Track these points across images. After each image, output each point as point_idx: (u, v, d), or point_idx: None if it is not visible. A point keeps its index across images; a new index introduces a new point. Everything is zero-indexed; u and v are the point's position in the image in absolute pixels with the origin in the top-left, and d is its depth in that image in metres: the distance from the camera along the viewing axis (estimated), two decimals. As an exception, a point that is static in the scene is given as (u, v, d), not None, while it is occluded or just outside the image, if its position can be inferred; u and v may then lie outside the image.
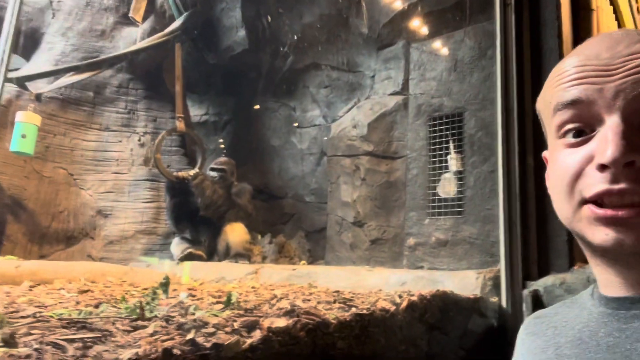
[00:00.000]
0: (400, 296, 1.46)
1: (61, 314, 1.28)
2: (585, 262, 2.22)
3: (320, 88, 4.63)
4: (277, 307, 1.41)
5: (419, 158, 3.53)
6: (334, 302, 1.53)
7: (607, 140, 0.51)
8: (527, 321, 0.74)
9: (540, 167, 2.30)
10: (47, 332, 0.97)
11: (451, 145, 3.40)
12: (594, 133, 0.54)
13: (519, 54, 2.26)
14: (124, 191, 4.19)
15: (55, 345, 0.85)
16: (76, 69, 3.84)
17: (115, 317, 1.17)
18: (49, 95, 3.92)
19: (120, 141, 4.28)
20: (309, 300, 1.65)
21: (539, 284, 2.02)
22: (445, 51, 3.61)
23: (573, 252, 2.10)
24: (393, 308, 1.32)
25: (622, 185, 0.50)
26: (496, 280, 2.11)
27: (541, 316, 0.72)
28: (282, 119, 4.99)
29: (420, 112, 3.59)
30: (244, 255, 3.63)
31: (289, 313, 1.11)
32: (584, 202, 0.54)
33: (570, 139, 0.56)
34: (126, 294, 1.94)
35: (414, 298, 1.41)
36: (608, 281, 0.59)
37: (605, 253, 0.54)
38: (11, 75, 3.71)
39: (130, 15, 4.12)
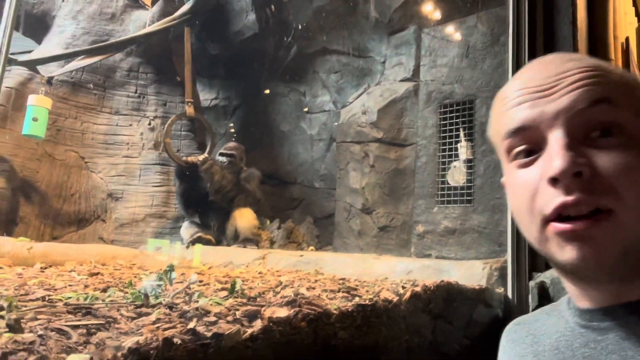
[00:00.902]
0: (403, 287, 1.46)
1: (69, 297, 1.30)
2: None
3: (330, 73, 4.59)
4: (281, 295, 1.42)
5: (428, 146, 3.50)
6: (339, 290, 1.54)
7: (553, 154, 0.52)
8: (508, 327, 0.75)
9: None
10: (53, 317, 0.99)
11: (461, 133, 3.36)
12: (542, 152, 0.55)
13: (532, 41, 2.21)
14: (134, 175, 4.23)
15: (59, 331, 0.86)
16: (87, 53, 3.85)
17: (121, 303, 1.19)
18: (60, 79, 3.94)
19: (130, 125, 4.31)
20: (313, 288, 1.66)
21: (546, 276, 2.01)
22: (457, 37, 3.54)
23: (581, 244, 2.08)
24: (396, 299, 1.32)
25: (575, 196, 0.50)
26: (502, 270, 2.10)
27: (521, 323, 0.73)
28: (292, 104, 4.97)
29: (430, 99, 3.55)
30: (252, 240, 3.66)
31: (290, 303, 1.11)
32: (546, 220, 0.53)
33: (521, 159, 0.57)
34: (134, 277, 1.97)
35: (418, 289, 1.41)
36: (580, 295, 0.59)
37: (575, 272, 0.54)
38: (22, 58, 3.73)
39: (140, -2, 4.11)
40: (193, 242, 3.60)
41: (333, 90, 4.59)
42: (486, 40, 3.39)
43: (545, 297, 1.96)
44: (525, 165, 0.56)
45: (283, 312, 1.02)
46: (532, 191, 0.54)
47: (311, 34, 4.48)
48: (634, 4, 3.35)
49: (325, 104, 4.68)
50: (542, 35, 2.21)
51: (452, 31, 3.59)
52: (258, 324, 0.97)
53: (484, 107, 3.31)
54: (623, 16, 2.81)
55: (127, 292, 1.46)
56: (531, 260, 2.07)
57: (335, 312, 1.11)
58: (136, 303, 1.21)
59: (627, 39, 2.83)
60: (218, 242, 3.78)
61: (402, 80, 3.89)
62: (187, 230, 3.83)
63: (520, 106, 0.57)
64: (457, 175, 3.38)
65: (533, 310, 2.00)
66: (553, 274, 2.00)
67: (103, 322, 0.95)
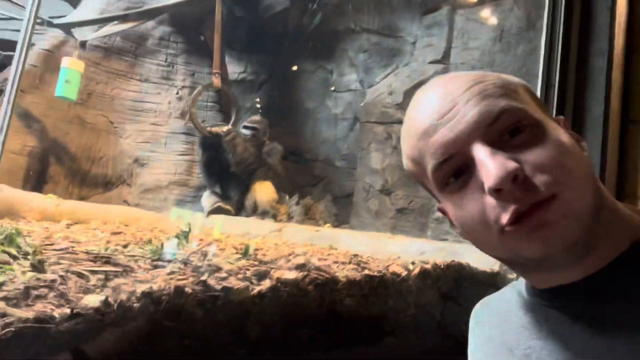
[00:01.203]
0: (413, 263, 1.47)
1: (91, 250, 1.37)
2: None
3: (359, 52, 4.55)
4: (292, 262, 1.46)
5: (453, 130, 3.45)
6: (349, 262, 1.57)
7: (484, 166, 0.52)
8: (476, 309, 0.74)
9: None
10: (74, 263, 1.04)
11: (488, 119, 3.30)
12: (471, 169, 0.55)
13: (567, 27, 2.14)
14: (160, 142, 4.31)
15: (79, 274, 0.92)
16: (120, 19, 3.91)
17: (139, 255, 1.25)
18: (93, 44, 4.02)
19: (159, 93, 4.37)
20: (325, 259, 1.70)
21: (561, 265, 1.99)
22: (491, 20, 3.45)
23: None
24: (405, 273, 1.34)
25: (521, 200, 0.51)
26: (517, 257, 2.09)
27: (487, 303, 0.73)
28: (318, 81, 4.95)
29: (459, 82, 3.49)
30: (269, 213, 3.71)
31: (300, 267, 1.15)
32: (503, 228, 0.54)
33: (453, 184, 0.57)
34: (154, 238, 2.03)
35: (427, 266, 1.42)
36: (539, 279, 0.60)
37: (544, 259, 0.53)
38: (57, 21, 3.82)
39: (174, -33, 4.12)
40: (213, 211, 3.68)
41: (361, 69, 4.55)
42: (521, 24, 3.29)
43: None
44: (460, 188, 0.57)
45: (292, 274, 1.05)
46: (480, 208, 0.54)
47: (341, 10, 4.43)
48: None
49: (352, 83, 4.65)
50: (579, 22, 2.14)
51: (487, 14, 3.49)
52: (267, 283, 1.01)
53: (513, 94, 3.24)
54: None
55: (145, 249, 1.52)
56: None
57: (343, 279, 1.14)
58: (153, 257, 1.26)
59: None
60: (237, 213, 3.84)
61: (431, 62, 3.83)
62: (207, 199, 3.90)
63: (434, 138, 0.57)
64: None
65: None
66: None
67: (120, 270, 1.00)
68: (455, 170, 0.56)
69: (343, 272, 1.21)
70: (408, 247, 2.43)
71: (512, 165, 0.51)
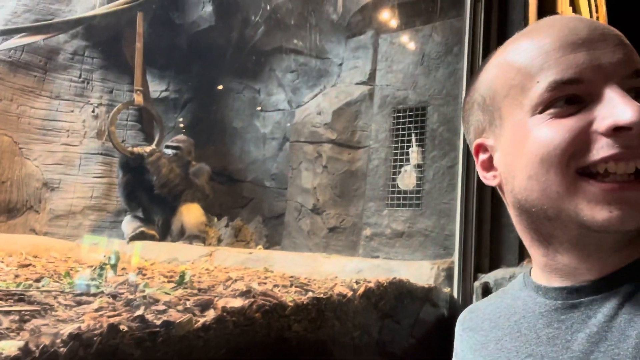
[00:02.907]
0: (357, 282, 1.45)
1: (-3, 286, 1.19)
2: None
3: (286, 72, 4.56)
4: (232, 288, 1.37)
5: (381, 149, 3.54)
6: (291, 285, 1.51)
7: (618, 104, 0.49)
8: (462, 316, 0.72)
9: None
10: (-20, 303, 0.89)
11: (413, 138, 3.43)
12: (589, 104, 0.52)
13: (486, 52, 2.30)
14: (73, 164, 3.99)
15: (-13, 317, 0.78)
16: (27, 31, 3.59)
17: (58, 291, 1.10)
18: (-4, 57, 3.66)
19: (72, 111, 4.06)
20: (265, 283, 1.63)
21: (490, 277, 2.08)
22: (413, 45, 3.62)
23: (523, 247, 2.17)
24: (350, 293, 1.31)
25: (633, 148, 0.48)
26: (449, 271, 2.16)
27: (475, 310, 0.71)
28: (245, 101, 4.89)
29: (385, 103, 3.60)
30: (198, 237, 3.54)
31: (245, 294, 1.08)
32: (581, 173, 0.51)
33: (558, 109, 0.52)
34: (71, 270, 1.84)
35: (371, 285, 1.40)
36: (547, 269, 0.58)
37: (597, 234, 0.51)
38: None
39: (90, -22, 3.89)
40: (135, 237, 3.44)
41: (288, 90, 4.56)
42: (440, 49, 3.49)
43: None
44: (563, 115, 0.52)
45: (237, 303, 0.98)
46: (574, 138, 0.50)
47: (269, 31, 4.43)
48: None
49: (280, 102, 4.64)
50: (496, 47, 2.30)
51: (408, 39, 3.67)
52: (211, 314, 0.93)
53: (435, 114, 3.40)
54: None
55: (63, 282, 1.36)
56: (476, 261, 2.14)
57: (290, 304, 1.08)
58: (75, 292, 1.12)
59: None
60: (162, 238, 3.63)
61: (357, 84, 3.93)
62: (129, 224, 3.65)
63: (574, 55, 0.52)
64: (407, 179, 3.45)
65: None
66: (497, 275, 2.07)
67: (38, 308, 0.87)
68: (571, 96, 0.52)
69: (289, 296, 1.15)
70: (344, 266, 2.42)
71: None
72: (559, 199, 0.52)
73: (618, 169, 0.49)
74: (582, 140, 0.50)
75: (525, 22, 2.26)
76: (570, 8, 3.20)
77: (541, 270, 0.60)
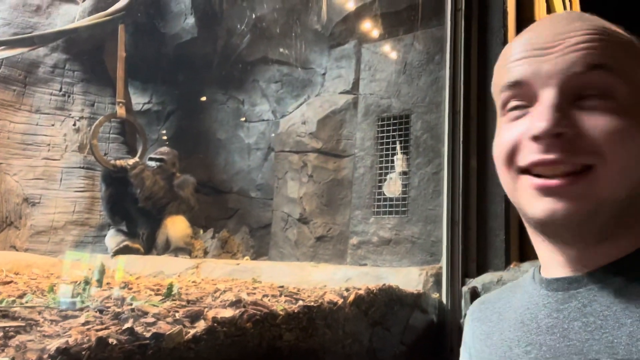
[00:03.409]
0: (347, 290, 1.45)
1: (-22, 304, 1.16)
2: (521, 261, 2.32)
3: (270, 83, 4.57)
4: (221, 299, 1.36)
5: (366, 157, 3.56)
6: (280, 295, 1.50)
7: (539, 113, 0.53)
8: (473, 307, 0.75)
9: (482, 169, 2.38)
10: (-39, 321, 0.86)
11: (398, 146, 3.46)
12: (532, 109, 0.56)
13: (467, 59, 2.33)
14: (55, 178, 3.92)
15: (-30, 334, 0.75)
16: (5, 44, 3.54)
17: (42, 306, 1.08)
18: (-27, 71, 3.59)
19: (53, 125, 4.00)
20: (254, 293, 1.61)
21: (477, 281, 2.09)
22: (395, 54, 3.67)
23: (510, 251, 2.19)
24: (340, 301, 1.30)
25: (552, 156, 0.52)
26: (437, 277, 2.17)
27: (485, 302, 0.73)
28: (229, 112, 4.88)
29: (369, 112, 3.63)
30: (184, 249, 3.50)
31: (235, 304, 1.06)
32: (521, 171, 0.56)
33: (511, 113, 0.58)
34: (54, 285, 1.80)
35: (361, 292, 1.40)
36: (549, 262, 0.61)
37: (543, 227, 0.55)
38: None
39: (70, -9, 3.87)
40: (119, 251, 3.38)
41: (272, 100, 4.57)
42: (422, 58, 3.53)
43: (477, 302, 2.04)
44: (512, 120, 0.58)
45: (228, 313, 0.97)
46: (513, 144, 0.56)
47: (252, 42, 4.44)
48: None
49: (264, 113, 4.64)
50: (477, 54, 2.34)
51: (391, 48, 3.71)
52: (201, 325, 0.91)
53: (419, 122, 3.44)
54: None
55: (47, 298, 1.33)
56: (464, 266, 2.15)
57: (281, 312, 1.07)
58: (59, 307, 1.10)
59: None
60: (147, 252, 3.58)
61: (341, 93, 3.95)
62: (112, 238, 3.59)
63: (520, 62, 0.57)
64: (392, 187, 3.47)
65: (465, 315, 2.07)
66: (484, 279, 2.09)
67: (23, 324, 0.84)
68: (520, 104, 0.57)
69: (279, 306, 1.14)
70: (333, 275, 2.41)
71: (564, 123, 0.51)
72: (512, 196, 0.59)
73: (545, 171, 0.53)
74: (516, 145, 0.56)
75: (504, 30, 2.31)
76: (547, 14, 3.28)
77: (544, 264, 0.63)
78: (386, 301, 1.57)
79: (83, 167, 4.02)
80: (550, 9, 3.42)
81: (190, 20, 4.57)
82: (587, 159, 0.52)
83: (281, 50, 4.34)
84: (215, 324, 0.91)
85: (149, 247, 3.64)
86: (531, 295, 0.62)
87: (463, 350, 0.72)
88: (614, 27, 0.57)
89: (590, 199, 0.51)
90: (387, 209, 3.39)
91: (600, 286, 0.54)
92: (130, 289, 1.83)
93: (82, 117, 4.10)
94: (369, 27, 3.91)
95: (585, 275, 0.56)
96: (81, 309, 1.07)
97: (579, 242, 0.55)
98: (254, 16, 4.36)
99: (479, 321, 0.69)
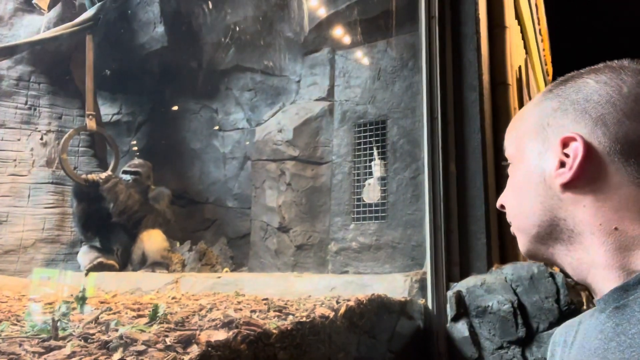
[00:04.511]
0: (337, 302, 1.43)
1: (-52, 337, 1.09)
2: (502, 263, 2.33)
3: (244, 91, 4.53)
4: (208, 318, 1.32)
5: (343, 164, 3.56)
6: (269, 310, 1.47)
7: None
8: (557, 330, 0.78)
9: (462, 173, 2.40)
10: None
11: (375, 151, 3.48)
12: None
13: (442, 65, 2.36)
14: (22, 195, 3.77)
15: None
16: (-34, 57, 3.39)
17: (21, 337, 1.02)
18: None
19: (18, 139, 3.85)
20: (240, 309, 1.57)
21: (462, 285, 2.11)
22: (368, 60, 3.69)
23: (491, 254, 2.22)
24: (332, 314, 1.29)
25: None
26: (422, 282, 2.17)
27: (568, 326, 0.75)
28: (203, 121, 4.80)
29: (345, 118, 3.63)
30: (162, 263, 3.41)
31: (227, 325, 1.03)
32: None
33: None
34: (31, 312, 1.72)
35: (352, 303, 1.39)
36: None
37: None
38: None
39: (34, 1, 3.74)
40: (93, 268, 3.27)
41: (247, 108, 4.53)
42: (396, 64, 3.57)
43: (462, 305, 2.06)
44: None
45: (221, 335, 0.94)
46: None
47: (224, 50, 4.40)
48: (523, 38, 3.76)
49: (239, 121, 4.60)
50: (451, 59, 2.38)
51: (364, 54, 3.73)
52: (195, 350, 0.88)
53: (395, 127, 3.46)
54: (516, 48, 3.13)
55: (24, 326, 1.26)
56: (447, 271, 2.17)
57: (274, 331, 1.05)
58: (41, 336, 1.04)
59: (519, 68, 3.15)
60: (122, 268, 3.47)
61: (317, 100, 3.95)
62: (86, 255, 3.47)
63: None
64: (371, 192, 3.48)
65: (452, 319, 2.09)
66: (468, 283, 2.11)
67: (4, 359, 0.79)
68: None
69: (272, 323, 1.12)
70: (317, 284, 2.39)
71: (499, 203, 0.71)
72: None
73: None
74: None
75: (477, 36, 2.35)
76: (516, 21, 3.36)
77: None
78: (376, 311, 1.56)
79: (52, 183, 3.87)
80: (518, 16, 3.51)
81: (160, 29, 4.49)
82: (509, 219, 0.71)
83: (253, 58, 4.31)
84: (209, 349, 0.88)
85: (125, 263, 3.53)
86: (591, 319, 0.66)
87: None
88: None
89: (515, 230, 0.70)
90: (367, 215, 3.39)
91: (620, 307, 0.56)
92: (111, 310, 1.76)
93: (49, 131, 3.96)
94: (342, 33, 3.92)
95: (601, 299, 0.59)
96: (64, 338, 1.01)
97: (537, 259, 0.70)
98: (225, 24, 4.31)
99: (558, 345, 0.73)
